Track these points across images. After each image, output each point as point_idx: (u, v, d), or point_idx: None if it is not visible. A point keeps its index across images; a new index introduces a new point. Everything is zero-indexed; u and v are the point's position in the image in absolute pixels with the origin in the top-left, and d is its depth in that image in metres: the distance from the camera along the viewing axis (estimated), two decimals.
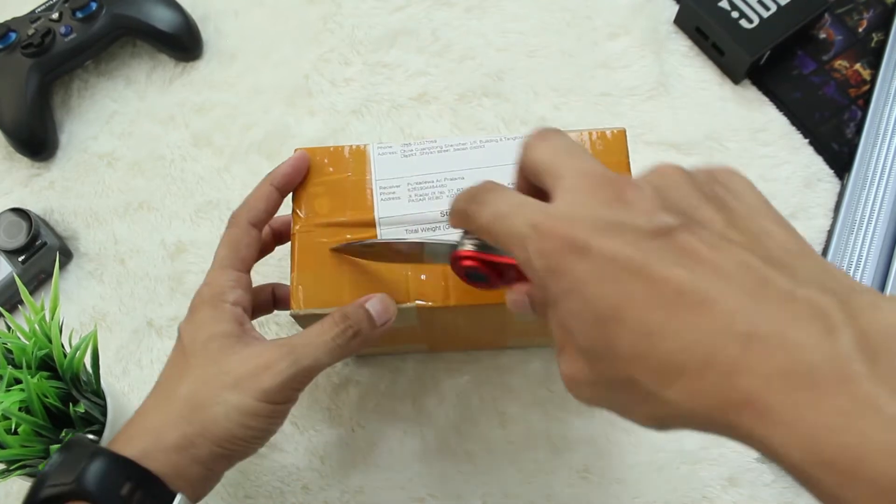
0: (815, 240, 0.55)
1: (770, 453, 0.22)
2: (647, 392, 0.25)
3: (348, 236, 0.41)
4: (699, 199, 0.27)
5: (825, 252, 0.54)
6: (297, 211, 0.42)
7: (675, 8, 0.62)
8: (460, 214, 0.31)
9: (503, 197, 0.29)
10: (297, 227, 0.42)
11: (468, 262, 0.33)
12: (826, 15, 0.61)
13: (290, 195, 0.43)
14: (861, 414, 0.20)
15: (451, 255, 0.34)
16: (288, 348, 0.37)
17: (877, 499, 0.20)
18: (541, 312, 0.30)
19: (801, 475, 0.21)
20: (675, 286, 0.24)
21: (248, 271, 0.41)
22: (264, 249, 0.45)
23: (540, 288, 0.28)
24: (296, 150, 0.43)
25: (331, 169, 0.43)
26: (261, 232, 0.42)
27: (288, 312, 0.41)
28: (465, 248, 0.33)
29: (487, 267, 0.33)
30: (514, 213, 0.28)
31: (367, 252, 0.41)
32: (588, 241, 0.25)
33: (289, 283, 0.41)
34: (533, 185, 0.30)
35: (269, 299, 0.46)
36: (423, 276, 0.41)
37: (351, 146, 0.44)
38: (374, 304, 0.39)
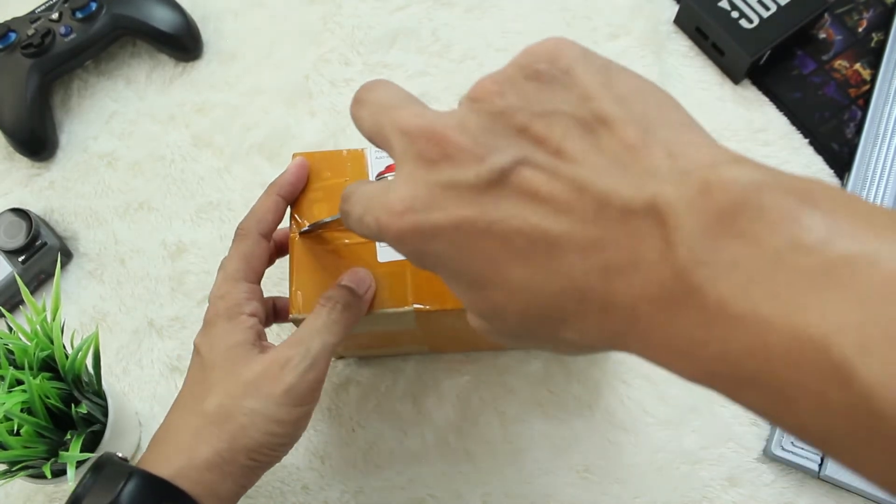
0: None
1: (670, 370, 0.22)
2: (547, 335, 0.25)
3: (346, 241, 0.41)
4: (527, 114, 0.24)
5: None
6: (297, 217, 0.42)
7: (675, 8, 0.62)
8: (343, 217, 0.31)
9: (358, 198, 0.29)
10: (295, 233, 0.42)
11: None
12: (826, 15, 0.61)
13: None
14: (714, 323, 0.20)
15: None
16: (296, 340, 0.38)
17: (762, 397, 0.20)
18: None
19: (703, 385, 0.21)
20: (525, 236, 0.23)
21: (259, 282, 0.42)
22: (269, 260, 0.45)
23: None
24: (294, 156, 0.43)
25: (328, 174, 0.43)
26: (269, 242, 0.42)
27: (278, 325, 0.42)
28: None
29: None
30: (366, 213, 0.28)
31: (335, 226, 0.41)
32: (431, 221, 0.25)
33: (287, 294, 0.41)
34: None
35: (271, 312, 0.46)
36: (422, 280, 0.40)
37: (348, 150, 0.44)
38: (349, 277, 0.40)
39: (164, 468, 0.35)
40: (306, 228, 0.41)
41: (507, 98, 0.25)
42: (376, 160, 0.43)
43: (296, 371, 0.36)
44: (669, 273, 0.21)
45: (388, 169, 0.41)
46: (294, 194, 0.42)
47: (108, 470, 0.35)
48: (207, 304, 0.40)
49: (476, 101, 0.25)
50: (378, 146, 0.28)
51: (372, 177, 0.43)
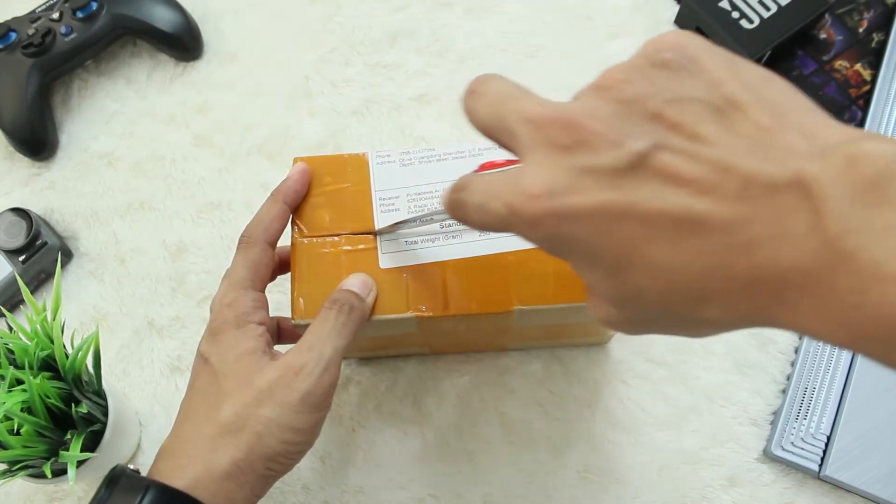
0: None
1: (817, 338, 0.23)
2: (686, 318, 0.25)
3: (347, 248, 0.41)
4: (659, 101, 0.25)
5: None
6: (298, 222, 0.42)
7: (676, 8, 0.62)
8: (452, 208, 0.30)
9: (479, 186, 0.28)
10: (297, 239, 0.42)
11: None
12: (826, 15, 0.61)
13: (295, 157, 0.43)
14: (869, 286, 0.21)
15: None
16: (307, 346, 0.37)
17: None
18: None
19: (853, 349, 0.22)
20: (668, 216, 0.24)
21: (264, 291, 0.41)
22: (273, 273, 0.44)
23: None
24: (295, 161, 0.43)
25: (329, 179, 0.43)
26: (273, 250, 0.42)
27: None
28: None
29: None
30: (491, 199, 0.27)
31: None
32: (570, 204, 0.25)
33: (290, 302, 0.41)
34: None
35: (275, 331, 0.45)
36: (422, 286, 0.40)
37: (349, 154, 0.44)
38: (350, 282, 0.40)
39: (178, 479, 0.34)
40: (381, 228, 0.41)
41: (636, 86, 0.25)
42: (378, 164, 0.43)
43: (311, 377, 0.36)
44: (819, 243, 0.21)
45: (484, 167, 0.40)
46: (298, 200, 0.42)
47: (124, 483, 0.35)
48: (210, 313, 0.40)
49: (604, 89, 0.26)
50: (494, 138, 0.28)
51: (374, 184, 0.43)
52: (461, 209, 0.29)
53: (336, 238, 0.42)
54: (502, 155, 0.42)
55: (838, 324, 0.22)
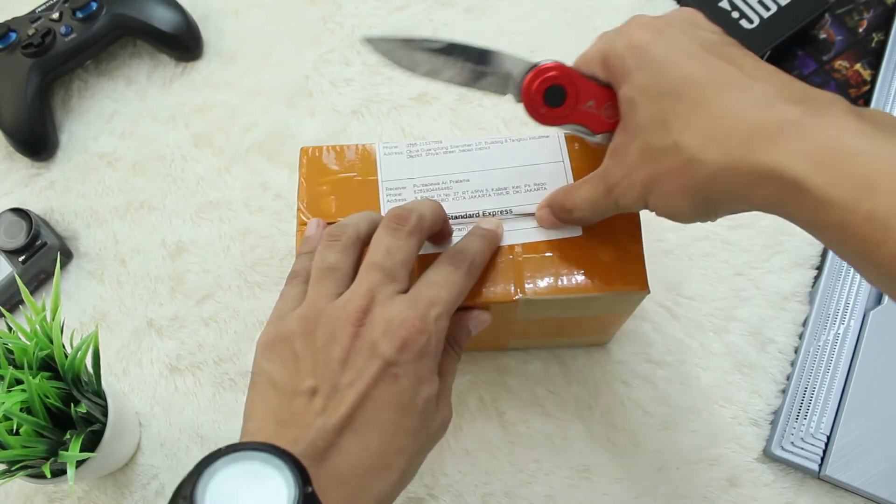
0: (815, 240, 0.55)
1: (780, 179, 0.29)
2: (687, 157, 0.31)
3: None
4: (721, 29, 0.35)
5: (825, 251, 0.54)
6: (303, 210, 0.42)
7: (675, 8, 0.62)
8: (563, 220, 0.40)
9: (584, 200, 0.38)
10: (302, 226, 0.42)
11: (552, 72, 0.37)
12: (826, 15, 0.61)
13: (297, 193, 0.43)
14: (847, 133, 0.28)
15: (528, 72, 0.37)
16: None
17: (848, 182, 0.27)
18: (604, 126, 0.37)
19: (806, 188, 0.28)
20: (727, 74, 0.32)
21: None
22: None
23: (616, 70, 0.35)
24: (302, 152, 0.43)
25: (337, 168, 0.43)
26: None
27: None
28: (547, 62, 0.37)
29: (568, 80, 0.37)
30: (602, 35, 0.37)
31: (403, 55, 0.38)
32: (664, 28, 0.34)
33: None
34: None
35: None
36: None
37: (357, 145, 0.44)
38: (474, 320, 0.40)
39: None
40: (372, 37, 0.38)
41: (710, 23, 0.37)
42: (385, 155, 0.43)
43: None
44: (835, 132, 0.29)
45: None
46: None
47: None
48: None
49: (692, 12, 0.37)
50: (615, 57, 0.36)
51: (381, 174, 0.43)
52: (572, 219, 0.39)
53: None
54: (508, 148, 0.43)
55: (807, 151, 0.28)
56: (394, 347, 0.33)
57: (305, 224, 0.42)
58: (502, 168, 0.42)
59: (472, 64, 0.37)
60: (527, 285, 0.40)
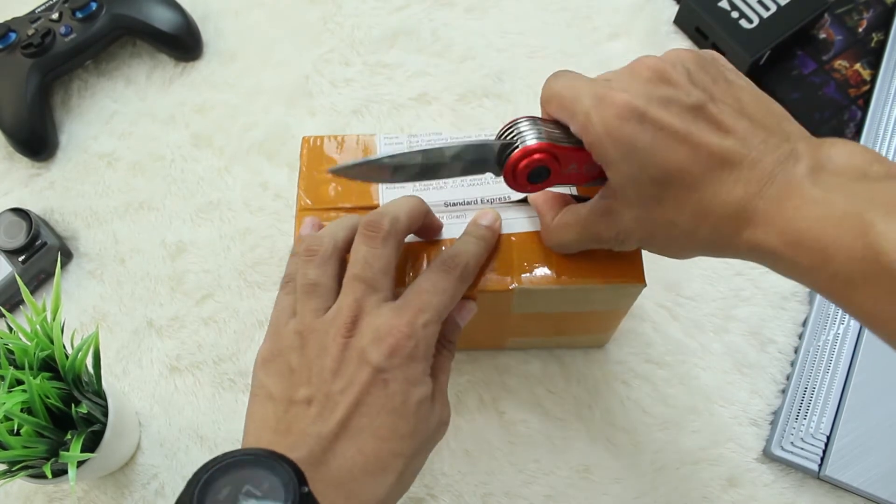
0: None
1: (761, 251, 0.32)
2: (682, 231, 0.34)
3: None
4: (711, 77, 0.34)
5: None
6: (303, 196, 0.43)
7: (675, 8, 0.62)
8: (546, 90, 0.37)
9: (574, 75, 0.37)
10: (301, 211, 0.42)
11: (538, 156, 0.36)
12: (826, 15, 0.61)
13: (297, 180, 0.43)
14: (805, 206, 0.30)
15: (509, 154, 0.36)
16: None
17: (810, 254, 0.30)
18: (587, 181, 0.38)
19: (783, 259, 0.31)
20: (709, 152, 0.32)
21: None
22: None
23: (599, 154, 0.34)
24: (304, 141, 0.43)
25: (336, 156, 0.43)
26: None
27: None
28: (533, 143, 0.36)
29: (552, 158, 0.36)
30: (581, 86, 0.35)
31: (370, 174, 0.38)
32: (644, 109, 0.33)
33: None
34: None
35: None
36: (425, 263, 0.41)
37: (358, 136, 0.44)
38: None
39: None
40: (337, 168, 0.38)
41: (698, 62, 0.35)
42: (386, 145, 0.44)
43: None
44: (794, 180, 0.32)
45: None
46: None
47: None
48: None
49: (677, 56, 0.35)
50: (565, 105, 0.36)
51: None
52: (554, 79, 0.37)
53: (339, 212, 0.42)
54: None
55: (777, 232, 0.31)
56: (382, 354, 0.34)
57: (305, 210, 0.42)
58: None
59: (448, 164, 0.38)
60: (522, 275, 0.40)
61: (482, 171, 0.38)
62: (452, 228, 0.41)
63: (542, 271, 0.40)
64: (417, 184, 0.42)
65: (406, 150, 0.37)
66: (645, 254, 0.40)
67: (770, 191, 0.32)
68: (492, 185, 0.42)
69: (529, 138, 0.36)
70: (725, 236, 0.33)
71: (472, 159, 0.38)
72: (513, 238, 0.41)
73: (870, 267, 0.28)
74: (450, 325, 0.39)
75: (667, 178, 0.33)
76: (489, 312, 0.43)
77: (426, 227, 0.40)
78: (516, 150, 0.36)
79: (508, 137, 0.37)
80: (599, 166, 0.36)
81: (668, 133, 0.32)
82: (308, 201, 0.42)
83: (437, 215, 0.41)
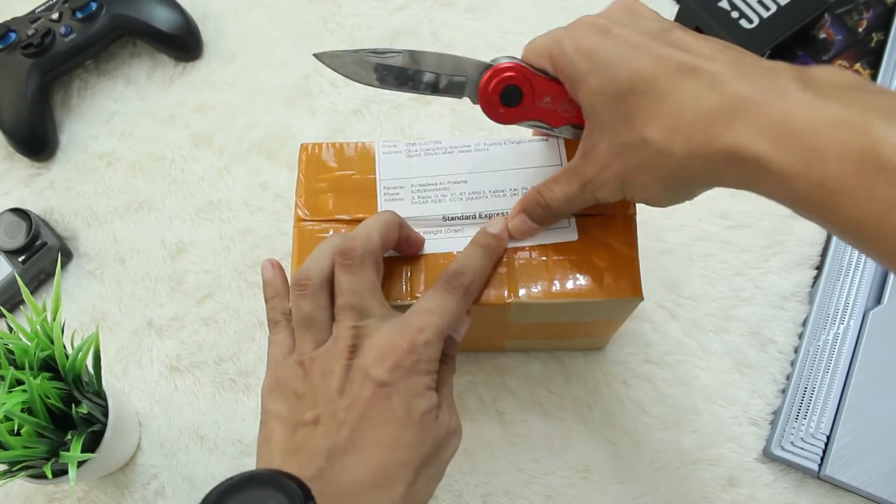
0: (815, 239, 0.55)
1: (741, 158, 0.30)
2: (655, 151, 0.33)
3: (344, 230, 0.42)
4: (659, 14, 0.36)
5: (825, 251, 0.54)
6: (300, 206, 0.42)
7: (675, 8, 0.62)
8: (526, 46, 0.38)
9: (551, 30, 0.38)
10: (299, 222, 0.42)
11: (509, 73, 0.37)
12: (826, 15, 0.61)
13: (295, 189, 0.43)
14: (794, 108, 0.29)
15: (484, 73, 0.38)
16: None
17: (799, 155, 0.28)
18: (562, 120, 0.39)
19: (766, 164, 0.29)
20: (677, 61, 0.32)
21: None
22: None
23: (568, 75, 0.35)
24: (302, 147, 0.44)
25: (335, 165, 0.43)
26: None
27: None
28: (504, 62, 0.37)
29: (524, 79, 0.37)
30: (555, 29, 0.37)
31: (354, 66, 0.40)
32: (609, 26, 0.34)
33: None
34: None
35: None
36: (422, 276, 0.41)
37: (356, 143, 0.44)
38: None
39: None
40: (321, 53, 0.40)
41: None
42: (384, 154, 0.43)
43: None
44: (782, 97, 0.30)
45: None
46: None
47: None
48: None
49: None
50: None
51: (379, 173, 0.43)
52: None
53: (337, 224, 0.42)
54: (507, 150, 0.43)
55: (761, 131, 0.29)
56: (385, 370, 0.34)
57: (302, 221, 0.42)
58: (500, 170, 0.42)
59: (429, 71, 0.39)
60: (520, 289, 0.40)
61: (460, 95, 0.39)
62: (451, 243, 0.41)
63: (539, 286, 0.40)
64: (416, 195, 0.42)
65: (394, 50, 0.39)
66: (645, 260, 0.40)
67: (750, 94, 0.30)
68: (490, 199, 0.42)
69: (503, 60, 0.38)
70: (700, 147, 0.31)
71: (450, 74, 0.39)
72: (510, 253, 0.41)
73: (866, 168, 0.27)
74: (447, 341, 0.39)
75: (632, 88, 0.33)
76: (487, 321, 0.43)
77: (404, 241, 0.40)
78: (489, 69, 0.38)
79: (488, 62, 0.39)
80: (576, 107, 0.36)
81: (632, 44, 0.33)
82: (306, 212, 0.42)
83: (434, 230, 0.41)
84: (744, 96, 0.30)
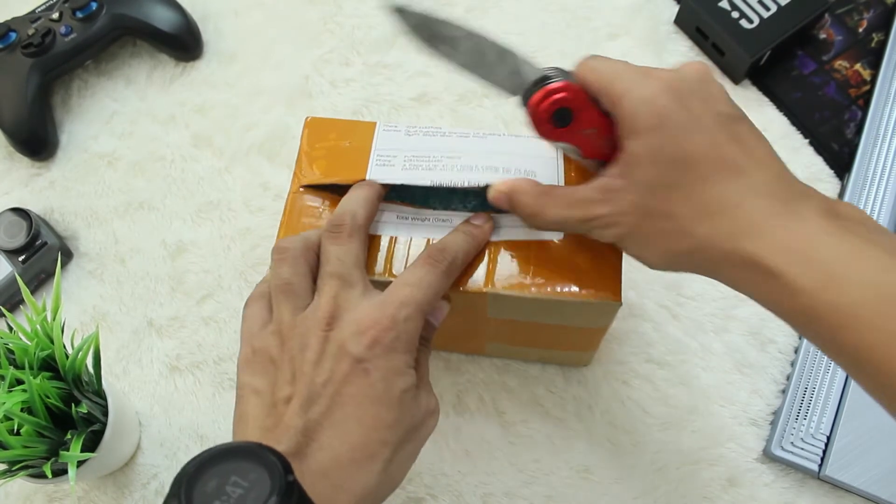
0: None
1: (756, 267, 0.32)
2: (678, 226, 0.34)
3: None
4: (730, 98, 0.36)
5: None
6: (298, 172, 0.43)
7: (676, 8, 0.62)
8: (583, 64, 0.37)
9: (613, 59, 0.37)
10: (293, 189, 0.43)
11: (564, 94, 0.36)
12: (826, 15, 0.61)
13: (295, 158, 0.44)
14: (818, 236, 0.32)
15: (539, 86, 0.36)
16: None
17: (815, 275, 0.31)
18: (601, 154, 0.38)
19: (779, 277, 0.31)
20: (732, 155, 0.34)
21: None
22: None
23: (630, 121, 0.34)
24: (307, 120, 0.45)
25: (333, 136, 0.44)
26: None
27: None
28: (557, 82, 0.36)
29: (577, 105, 0.36)
30: (622, 66, 0.36)
31: (427, 28, 0.39)
32: (685, 96, 0.34)
33: None
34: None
35: None
36: (402, 255, 0.41)
37: (359, 121, 0.45)
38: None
39: None
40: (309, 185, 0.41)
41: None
42: (383, 132, 0.44)
43: None
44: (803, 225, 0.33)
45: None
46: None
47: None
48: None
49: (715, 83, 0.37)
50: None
51: (375, 144, 0.43)
52: (595, 59, 0.37)
53: (332, 196, 0.42)
54: (506, 140, 0.43)
55: (782, 250, 0.32)
56: (363, 345, 0.34)
57: (299, 190, 0.43)
58: (496, 153, 0.43)
59: (491, 57, 0.38)
60: (497, 280, 0.40)
61: (511, 93, 0.38)
62: (437, 232, 0.41)
63: (518, 279, 0.40)
64: (407, 163, 0.42)
65: (467, 29, 0.39)
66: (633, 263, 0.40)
67: (783, 209, 0.32)
68: (482, 173, 0.41)
69: (554, 75, 0.37)
70: (722, 237, 0.33)
71: (513, 73, 0.38)
72: (492, 246, 0.41)
73: (887, 300, 0.29)
74: (425, 325, 0.39)
75: (685, 161, 0.33)
76: (466, 314, 0.43)
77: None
78: (544, 86, 0.37)
79: (534, 83, 0.37)
80: (613, 144, 0.36)
81: (702, 125, 0.34)
82: (300, 178, 0.43)
83: (422, 218, 0.42)
84: (777, 213, 0.33)
